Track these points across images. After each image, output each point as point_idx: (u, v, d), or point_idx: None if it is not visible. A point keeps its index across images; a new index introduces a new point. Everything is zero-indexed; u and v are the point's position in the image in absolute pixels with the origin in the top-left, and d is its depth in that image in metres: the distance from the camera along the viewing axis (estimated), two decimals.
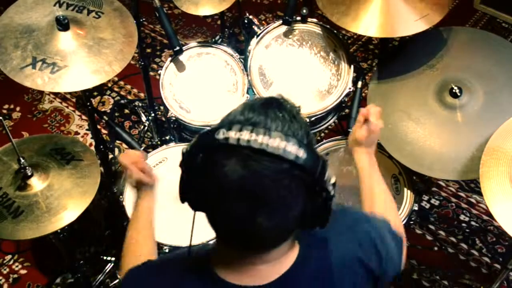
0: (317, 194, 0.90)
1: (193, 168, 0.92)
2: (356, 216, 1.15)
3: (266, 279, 0.96)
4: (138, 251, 1.27)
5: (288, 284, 0.97)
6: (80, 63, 1.76)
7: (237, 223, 0.89)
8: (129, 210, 1.91)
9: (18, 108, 3.09)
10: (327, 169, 0.90)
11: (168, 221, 1.90)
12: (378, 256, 1.05)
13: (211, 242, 1.79)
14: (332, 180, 0.91)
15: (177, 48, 2.13)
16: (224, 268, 0.97)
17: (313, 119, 2.05)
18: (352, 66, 2.10)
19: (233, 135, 0.85)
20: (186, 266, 1.02)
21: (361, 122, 1.44)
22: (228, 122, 0.88)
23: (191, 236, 1.06)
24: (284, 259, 0.98)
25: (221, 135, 0.86)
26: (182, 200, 0.99)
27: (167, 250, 1.81)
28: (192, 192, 0.96)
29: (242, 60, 2.18)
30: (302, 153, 0.85)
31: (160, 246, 1.82)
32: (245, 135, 0.84)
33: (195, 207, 0.98)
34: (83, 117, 3.03)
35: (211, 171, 0.87)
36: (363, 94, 2.11)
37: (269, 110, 0.89)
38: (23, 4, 1.84)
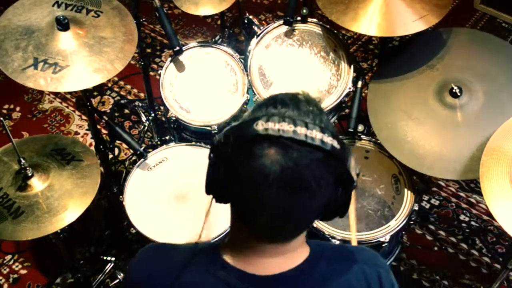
0: (344, 183, 0.95)
1: (225, 160, 0.94)
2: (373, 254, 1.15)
3: (275, 270, 0.98)
4: None
5: (297, 277, 0.99)
6: (82, 62, 1.76)
7: (270, 211, 0.91)
8: (129, 210, 1.91)
9: (18, 108, 3.09)
10: (353, 159, 0.95)
11: (168, 221, 1.90)
12: None
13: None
14: (358, 170, 0.97)
15: (177, 48, 2.13)
16: (234, 255, 0.99)
17: None
18: (352, 66, 2.10)
19: (273, 126, 0.88)
20: (196, 251, 1.04)
21: None
22: (263, 115, 0.90)
23: (202, 229, 1.08)
24: (296, 255, 1.00)
25: (260, 126, 0.88)
26: (208, 192, 1.00)
27: None
28: (221, 183, 0.96)
29: (242, 60, 2.18)
30: (336, 144, 0.90)
31: None
32: (286, 126, 0.88)
33: (222, 199, 0.99)
34: (83, 117, 3.03)
35: (249, 160, 0.89)
36: (363, 94, 2.11)
37: (300, 104, 0.93)
38: (20, 6, 1.84)
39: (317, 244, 1.05)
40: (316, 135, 0.88)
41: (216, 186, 0.98)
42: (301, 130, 0.88)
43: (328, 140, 0.89)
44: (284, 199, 0.89)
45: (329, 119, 0.95)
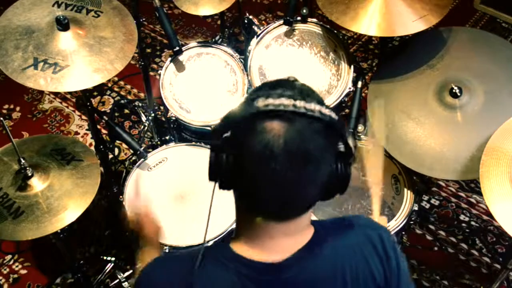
0: (343, 155, 0.98)
1: (228, 141, 0.96)
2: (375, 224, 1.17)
3: (284, 253, 0.99)
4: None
5: (305, 258, 1.00)
6: (82, 62, 1.76)
7: (280, 185, 0.93)
8: (129, 210, 1.91)
9: (18, 108, 3.09)
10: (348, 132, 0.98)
11: (168, 221, 1.90)
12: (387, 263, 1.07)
13: None
14: (352, 143, 1.00)
15: (177, 48, 2.13)
16: (244, 246, 1.01)
17: None
18: (352, 66, 2.10)
19: (272, 101, 0.91)
20: (205, 250, 1.04)
21: None
22: (263, 94, 0.93)
23: (207, 227, 1.09)
24: (302, 233, 1.02)
25: (260, 102, 0.91)
26: (212, 179, 1.00)
27: (167, 250, 1.81)
28: (225, 167, 0.97)
29: (242, 60, 2.18)
30: (334, 115, 0.94)
31: (160, 245, 1.82)
32: (285, 101, 0.91)
33: (226, 184, 0.99)
34: (83, 117, 3.03)
35: (253, 136, 0.91)
36: (363, 94, 2.11)
37: (292, 83, 0.97)
38: (20, 5, 1.84)
39: (317, 222, 1.07)
40: (315, 107, 0.92)
41: (220, 171, 0.98)
42: (300, 103, 0.91)
43: (326, 111, 0.93)
44: (290, 171, 0.91)
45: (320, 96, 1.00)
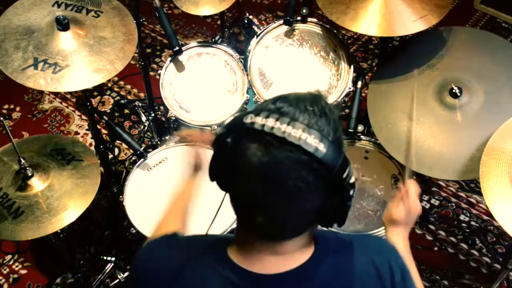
0: (335, 191, 0.92)
1: (222, 149, 0.96)
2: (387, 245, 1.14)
3: (277, 270, 0.97)
4: (165, 226, 1.32)
5: (300, 277, 0.98)
6: (82, 62, 1.76)
7: (253, 204, 0.92)
8: (129, 210, 1.91)
9: (18, 108, 3.09)
10: (348, 168, 0.92)
11: None
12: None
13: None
14: (352, 180, 0.93)
15: (177, 48, 2.13)
16: (238, 252, 1.00)
17: None
18: (352, 66, 2.10)
19: (259, 120, 0.89)
20: (202, 246, 1.05)
21: (398, 200, 1.35)
22: (259, 109, 0.91)
23: (213, 219, 1.12)
24: (299, 254, 0.99)
25: (248, 119, 0.90)
26: (211, 179, 1.02)
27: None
28: (219, 171, 1.00)
29: (242, 60, 2.18)
30: (322, 147, 0.87)
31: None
32: (270, 122, 0.87)
33: (222, 187, 1.01)
34: (83, 117, 3.03)
35: (235, 152, 0.91)
36: (363, 94, 2.11)
37: (300, 102, 0.91)
38: (20, 6, 1.84)
39: (322, 236, 1.03)
40: (300, 135, 0.86)
41: (217, 174, 1.01)
42: (285, 128, 0.86)
43: (313, 142, 0.86)
44: (264, 194, 0.89)
45: (331, 123, 0.91)
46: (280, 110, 0.89)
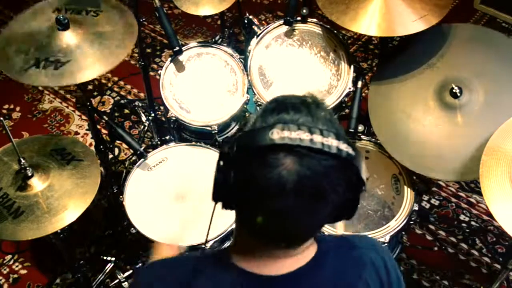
0: (355, 187, 0.94)
1: (236, 168, 0.92)
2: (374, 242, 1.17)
3: (285, 269, 0.98)
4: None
5: (306, 276, 0.99)
6: (83, 55, 1.77)
7: (282, 218, 0.91)
8: (129, 210, 1.91)
9: (18, 108, 3.09)
10: (363, 163, 0.94)
11: (168, 221, 1.90)
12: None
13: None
14: (366, 175, 0.95)
15: (177, 48, 2.13)
16: (242, 257, 0.99)
17: None
18: (352, 66, 2.10)
19: (289, 134, 0.87)
20: (204, 257, 1.05)
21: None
22: (275, 122, 0.89)
23: (208, 230, 1.09)
24: (307, 252, 1.00)
25: (275, 135, 0.87)
26: (215, 199, 0.98)
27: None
28: (230, 191, 0.94)
29: (242, 60, 2.18)
30: (351, 151, 0.90)
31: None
32: (303, 135, 0.87)
33: (229, 206, 0.98)
34: (83, 117, 3.03)
35: (264, 170, 0.87)
36: (363, 94, 2.11)
37: (311, 109, 0.93)
38: (22, 18, 1.88)
39: (322, 238, 1.05)
40: (332, 142, 0.88)
41: (225, 194, 0.96)
42: (317, 139, 0.87)
43: (344, 147, 0.89)
44: (301, 207, 0.89)
45: (340, 124, 0.96)
46: (299, 121, 0.89)
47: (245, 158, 0.90)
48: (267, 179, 0.87)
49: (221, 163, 0.94)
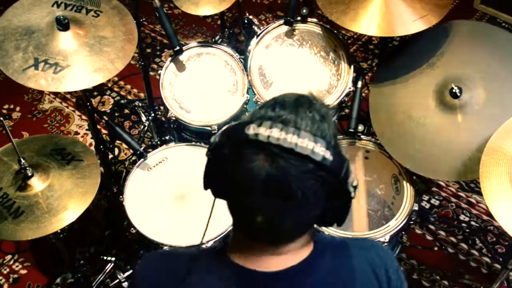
0: (339, 194, 0.92)
1: (219, 159, 0.94)
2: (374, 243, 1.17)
3: (278, 267, 0.98)
4: None
5: (300, 274, 0.99)
6: (82, 62, 1.76)
7: (258, 216, 0.91)
8: (129, 210, 1.91)
9: (18, 108, 3.09)
10: (350, 171, 0.92)
11: (168, 221, 1.90)
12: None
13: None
14: (355, 183, 0.93)
15: (177, 48, 2.13)
16: (238, 253, 1.00)
17: None
18: (352, 66, 2.10)
19: (263, 131, 0.87)
20: (201, 253, 1.05)
21: None
22: (259, 117, 0.90)
23: (206, 226, 1.09)
24: (300, 252, 0.99)
25: (251, 130, 0.88)
26: (205, 187, 1.00)
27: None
28: (215, 180, 0.97)
29: (242, 60, 2.18)
30: (329, 155, 0.87)
31: (160, 246, 1.82)
32: (275, 133, 0.86)
33: (217, 195, 1.00)
34: (83, 117, 3.03)
35: (238, 164, 0.89)
36: (363, 94, 2.11)
37: (299, 108, 0.91)
38: (20, 6, 1.84)
39: (320, 237, 1.05)
40: (307, 144, 0.86)
41: (212, 183, 0.99)
42: (291, 139, 0.86)
43: (320, 150, 0.86)
44: (269, 206, 0.89)
45: (330, 128, 0.92)
46: (281, 118, 0.88)
47: (225, 151, 0.91)
48: (239, 173, 0.89)
49: (209, 153, 0.96)
